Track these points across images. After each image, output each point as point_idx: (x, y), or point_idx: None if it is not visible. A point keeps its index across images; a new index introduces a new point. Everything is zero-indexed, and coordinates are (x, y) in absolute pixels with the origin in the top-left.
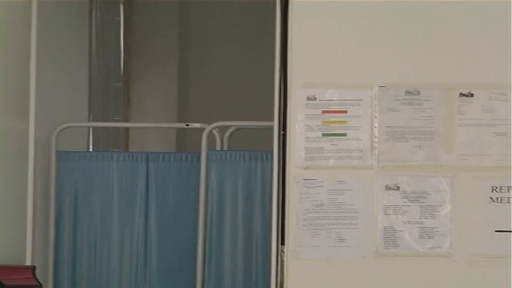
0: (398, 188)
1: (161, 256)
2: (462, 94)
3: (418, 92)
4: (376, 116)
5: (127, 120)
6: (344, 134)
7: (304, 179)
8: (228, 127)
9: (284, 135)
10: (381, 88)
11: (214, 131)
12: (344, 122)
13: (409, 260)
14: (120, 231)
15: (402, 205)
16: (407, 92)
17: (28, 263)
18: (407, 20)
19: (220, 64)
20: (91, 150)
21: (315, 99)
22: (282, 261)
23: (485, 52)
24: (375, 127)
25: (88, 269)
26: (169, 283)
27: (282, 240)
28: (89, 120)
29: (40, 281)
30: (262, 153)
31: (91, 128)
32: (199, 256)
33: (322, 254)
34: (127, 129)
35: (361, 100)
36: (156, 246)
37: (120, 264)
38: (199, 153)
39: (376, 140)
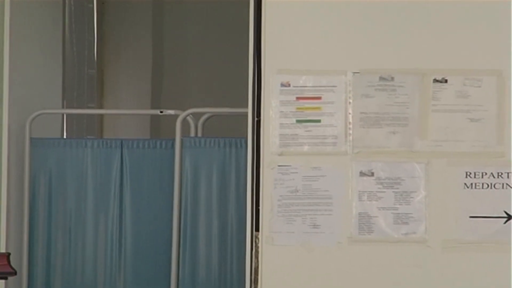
0: (372, 174)
1: (135, 242)
2: (436, 80)
3: (392, 78)
4: (350, 102)
5: (101, 107)
6: (319, 121)
7: (279, 166)
8: (202, 113)
9: (259, 122)
10: (355, 74)
11: (188, 117)
12: (318, 108)
13: (383, 246)
14: (94, 218)
15: (376, 191)
16: (381, 78)
17: (2, 250)
18: (381, 7)
19: (194, 51)
20: (65, 137)
21: (289, 85)
22: (257, 247)
23: (458, 38)
24: (350, 113)
25: (63, 256)
26: (144, 269)
27: (256, 227)
28: (63, 107)
29: (15, 268)
30: (236, 140)
31: (65, 115)
32: (174, 243)
33: (297, 240)
34: (101, 116)
35: (335, 86)
36: (131, 233)
37: (95, 250)
38: (174, 140)
39: (350, 126)
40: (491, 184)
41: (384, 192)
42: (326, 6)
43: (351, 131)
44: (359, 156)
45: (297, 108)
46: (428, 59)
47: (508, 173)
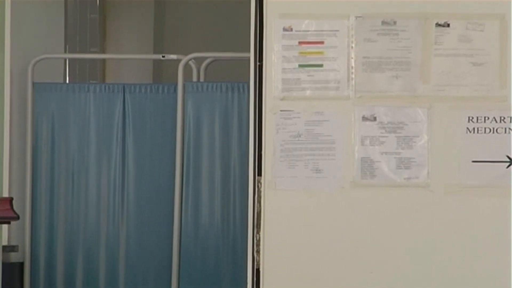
0: (375, 118)
1: (138, 187)
2: (438, 24)
3: (395, 22)
4: (352, 47)
5: (103, 52)
6: (321, 65)
7: (281, 110)
8: (205, 58)
9: (261, 66)
10: (358, 18)
11: (190, 62)
12: (321, 53)
13: (386, 191)
14: (97, 163)
15: (379, 136)
16: (384, 23)
17: (5, 195)
18: None
19: None
20: (67, 81)
21: (291, 29)
22: (260, 192)
23: None
24: (352, 57)
25: (66, 200)
26: (147, 213)
27: (259, 171)
28: (65, 52)
29: (17, 212)
30: (238, 84)
31: (67, 60)
32: (177, 188)
33: (299, 185)
34: (103, 60)
35: (338, 30)
36: (133, 177)
37: (98, 195)
38: (176, 85)
39: (352, 71)
40: (493, 128)
41: (387, 136)
42: None
43: (353, 76)
44: (361, 100)
45: (300, 53)
46: (430, 3)
47: (510, 117)
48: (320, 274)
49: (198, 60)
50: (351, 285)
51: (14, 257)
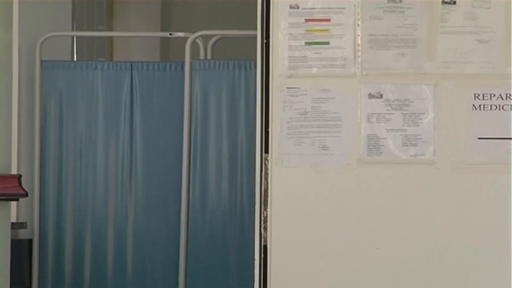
0: (381, 96)
1: (145, 163)
2: (444, 2)
3: (401, 0)
4: (359, 24)
5: (111, 30)
6: (327, 43)
7: (288, 88)
8: (212, 36)
9: (268, 44)
10: None
11: (197, 40)
12: (327, 30)
13: (392, 168)
14: (105, 140)
15: (385, 113)
16: (390, 0)
17: (13, 172)
18: None
19: None
20: (75, 59)
21: (298, 7)
22: (266, 169)
23: None
24: (358, 35)
25: (74, 177)
26: (155, 190)
27: (266, 148)
28: (73, 30)
29: (26, 189)
30: (245, 62)
31: (75, 38)
32: (184, 164)
33: (306, 162)
34: (111, 38)
35: (344, 8)
36: (141, 154)
37: (106, 172)
38: (183, 62)
39: (359, 48)
40: (499, 105)
41: (393, 114)
42: None
43: (359, 53)
44: (368, 78)
45: (306, 30)
46: None
47: None
48: (327, 250)
49: (205, 38)
50: (358, 261)
51: (22, 234)
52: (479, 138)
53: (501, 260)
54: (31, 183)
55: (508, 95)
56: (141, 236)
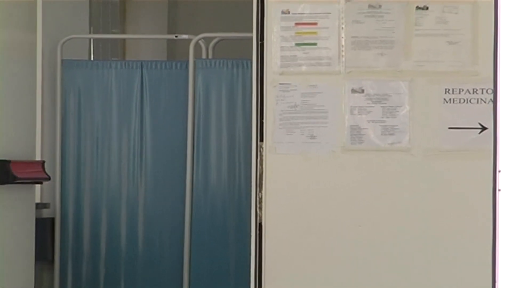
0: (362, 91)
1: (154, 151)
2: (418, 8)
3: (380, 6)
4: (343, 28)
5: (123, 32)
6: (315, 44)
7: (280, 84)
8: (213, 38)
9: (262, 45)
10: (347, 2)
11: (200, 41)
12: (315, 33)
13: (372, 154)
14: (118, 131)
15: (366, 106)
16: (370, 6)
17: (38, 158)
18: None
19: None
20: (92, 59)
21: (289, 12)
22: (262, 155)
23: None
24: (342, 37)
25: (91, 163)
26: (162, 174)
27: (261, 137)
28: (90, 33)
29: (49, 173)
30: (243, 61)
31: (92, 40)
32: (189, 152)
33: (296, 149)
34: (123, 40)
35: (330, 13)
36: (150, 143)
37: (119, 159)
38: (187, 61)
39: (343, 49)
40: (467, 99)
41: (373, 107)
42: None
43: (343, 53)
44: (350, 75)
45: (296, 33)
46: None
47: (482, 89)
48: (315, 227)
49: (207, 40)
50: (342, 236)
51: (46, 213)
52: (449, 128)
53: (465, 231)
54: (53, 168)
55: (474, 89)
56: (150, 214)
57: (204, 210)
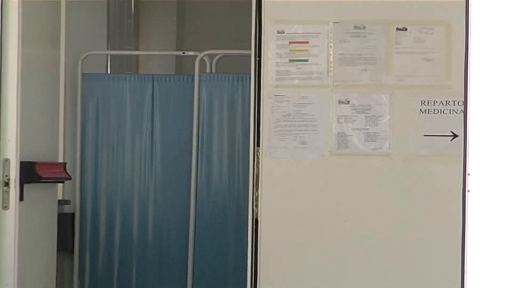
0: (348, 102)
1: (163, 155)
2: (398, 29)
3: (364, 27)
4: (331, 46)
5: (137, 49)
6: (306, 60)
7: (275, 95)
8: (216, 54)
9: (260, 61)
10: (335, 23)
11: (204, 57)
12: (306, 50)
13: (356, 158)
14: (131, 136)
15: (351, 115)
16: (356, 27)
17: (60, 160)
18: None
19: (209, 6)
20: (109, 72)
21: (283, 32)
22: (258, 159)
23: None
24: (331, 54)
25: (107, 165)
26: (170, 174)
27: (258, 143)
28: (107, 49)
29: (70, 174)
30: (242, 75)
31: (109, 55)
32: (193, 156)
33: (289, 153)
34: (137, 55)
35: (320, 33)
36: (160, 148)
37: (132, 161)
38: (193, 75)
39: (331, 64)
40: (441, 110)
41: (357, 116)
42: None
43: (331, 69)
44: (338, 88)
45: (290, 50)
46: (392, 12)
47: (454, 101)
48: (304, 222)
49: (211, 56)
50: (329, 230)
51: (67, 208)
52: (425, 135)
53: (438, 226)
54: (73, 169)
55: (447, 101)
56: (159, 209)
57: (207, 206)
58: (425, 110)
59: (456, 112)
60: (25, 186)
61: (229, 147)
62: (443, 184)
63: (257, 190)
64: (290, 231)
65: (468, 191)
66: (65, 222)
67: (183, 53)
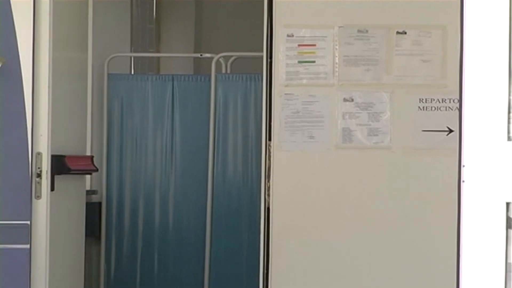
0: (352, 100)
1: (183, 148)
2: (398, 32)
3: (367, 31)
4: (336, 48)
5: (158, 51)
6: (314, 61)
7: (285, 94)
8: (231, 56)
9: (271, 62)
10: (340, 28)
11: (220, 59)
12: (314, 52)
13: (360, 151)
14: (153, 131)
15: (355, 112)
16: (359, 31)
17: (88, 153)
18: None
19: (225, 12)
20: (132, 73)
21: (293, 36)
22: (270, 152)
23: (416, 1)
24: (336, 56)
25: (131, 157)
26: (189, 167)
27: (269, 137)
28: (131, 51)
29: (97, 166)
30: (255, 75)
31: (132, 57)
32: (210, 148)
33: (298, 147)
34: (158, 57)
35: (326, 36)
36: (179, 142)
37: (154, 155)
38: (210, 75)
39: (336, 65)
40: (437, 107)
41: (361, 113)
42: None
43: (337, 69)
44: (342, 87)
45: (298, 53)
46: (393, 16)
47: (449, 99)
48: (312, 210)
49: (226, 58)
50: (334, 216)
51: (94, 198)
52: (423, 131)
53: (434, 213)
54: (100, 161)
55: (443, 99)
56: (178, 199)
57: (222, 196)
58: (423, 107)
59: (452, 109)
60: (56, 177)
61: (243, 141)
62: (440, 175)
63: (269, 181)
64: (299, 218)
65: (463, 181)
66: (92, 211)
67: (201, 55)
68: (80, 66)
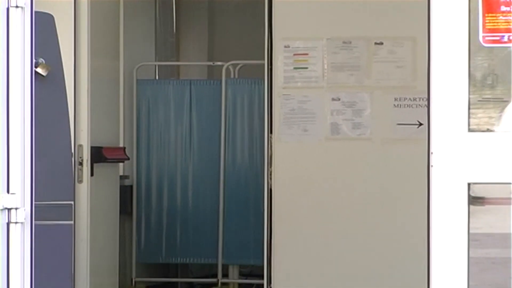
0: (339, 99)
1: (199, 141)
2: (376, 43)
3: (350, 42)
4: (325, 57)
5: (178, 60)
6: (307, 68)
7: (283, 94)
8: (238, 63)
9: (271, 69)
10: (328, 39)
11: (229, 66)
12: (306, 60)
13: (346, 142)
14: (175, 128)
15: (341, 109)
16: (344, 42)
17: (121, 145)
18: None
19: (233, 24)
20: (157, 78)
21: (289, 47)
22: (271, 143)
23: (391, 18)
24: (325, 63)
25: (156, 148)
26: (204, 157)
27: (270, 131)
28: (155, 61)
29: (128, 155)
30: (258, 80)
31: (157, 65)
32: (222, 141)
33: (294, 139)
34: (178, 65)
35: (316, 47)
36: (196, 136)
37: (175, 146)
38: (221, 80)
39: (325, 71)
40: (409, 104)
41: (346, 110)
42: (313, 2)
43: (326, 74)
44: (331, 88)
45: (294, 60)
46: (371, 30)
47: (419, 98)
48: (307, 191)
49: (234, 65)
50: (326, 197)
51: (127, 182)
52: (398, 124)
53: (407, 193)
54: (131, 151)
55: (414, 98)
56: (196, 184)
57: (232, 179)
58: (398, 104)
59: (421, 106)
60: (95, 165)
61: (249, 134)
62: (412, 161)
63: (270, 167)
64: (296, 198)
65: (432, 166)
66: (125, 192)
67: (213, 63)
68: (113, 72)
